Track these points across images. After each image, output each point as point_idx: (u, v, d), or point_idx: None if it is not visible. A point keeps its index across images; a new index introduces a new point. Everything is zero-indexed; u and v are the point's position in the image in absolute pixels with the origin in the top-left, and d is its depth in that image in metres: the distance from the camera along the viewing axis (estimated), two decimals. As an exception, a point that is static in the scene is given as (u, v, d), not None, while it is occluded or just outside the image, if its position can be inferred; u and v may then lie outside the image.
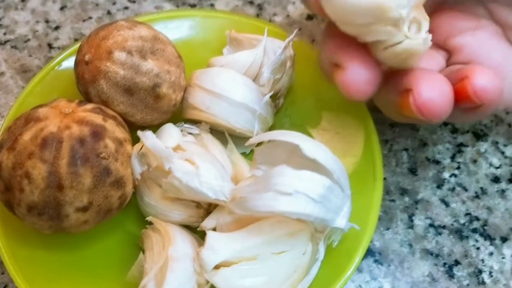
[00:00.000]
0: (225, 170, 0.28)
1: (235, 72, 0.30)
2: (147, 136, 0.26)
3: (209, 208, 0.29)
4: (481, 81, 0.26)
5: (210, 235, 0.25)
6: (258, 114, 0.30)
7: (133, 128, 0.28)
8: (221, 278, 0.25)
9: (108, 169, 0.25)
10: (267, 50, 0.32)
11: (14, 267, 0.26)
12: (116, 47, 0.27)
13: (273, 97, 0.32)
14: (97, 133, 0.24)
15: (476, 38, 0.30)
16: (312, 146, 0.25)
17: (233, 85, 0.29)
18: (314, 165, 0.25)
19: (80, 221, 0.25)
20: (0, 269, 0.31)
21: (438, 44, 0.31)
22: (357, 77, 0.25)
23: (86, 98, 0.28)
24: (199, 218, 0.28)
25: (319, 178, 0.24)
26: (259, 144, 0.28)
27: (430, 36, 0.25)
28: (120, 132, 0.26)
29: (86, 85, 0.27)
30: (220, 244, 0.25)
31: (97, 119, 0.25)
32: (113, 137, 0.25)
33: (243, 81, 0.30)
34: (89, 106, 0.26)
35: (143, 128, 0.28)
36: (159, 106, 0.28)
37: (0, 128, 0.34)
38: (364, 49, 0.26)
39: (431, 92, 0.25)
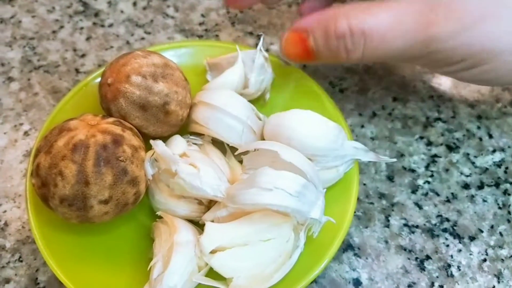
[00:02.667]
0: (223, 173, 0.33)
1: (231, 91, 0.35)
2: (157, 144, 0.31)
3: (209, 205, 0.32)
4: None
5: (208, 225, 0.29)
6: (248, 125, 0.34)
7: (146, 138, 0.32)
8: (216, 260, 0.28)
9: (126, 170, 0.29)
10: (245, 61, 0.37)
11: (47, 251, 0.30)
12: (133, 72, 0.31)
13: (262, 94, 0.38)
14: (117, 141, 0.29)
15: None
16: (288, 152, 0.30)
17: (229, 100, 0.34)
18: (292, 168, 0.29)
19: (102, 212, 0.29)
20: (32, 256, 0.35)
21: None
22: None
23: (108, 113, 0.32)
24: (200, 213, 0.32)
25: (295, 177, 0.29)
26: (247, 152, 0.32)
27: None
28: (135, 141, 0.30)
29: (108, 103, 0.31)
30: (216, 233, 0.29)
31: (117, 130, 0.29)
32: (130, 144, 0.29)
33: (236, 98, 0.34)
34: (111, 119, 0.30)
35: (155, 138, 0.32)
36: (168, 121, 0.32)
37: (35, 139, 0.40)
38: None
39: None
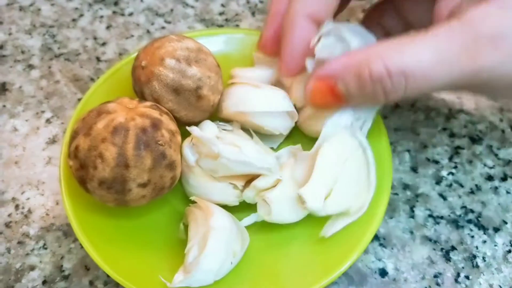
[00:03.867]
0: (261, 149, 0.33)
1: (257, 89, 0.34)
2: (194, 129, 0.31)
3: (243, 188, 0.33)
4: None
5: (302, 192, 0.30)
6: (283, 113, 0.34)
7: (178, 124, 0.32)
8: (331, 208, 0.30)
9: (164, 154, 0.29)
10: None
11: (82, 233, 0.30)
12: (167, 55, 0.31)
13: None
14: (156, 125, 0.29)
15: None
16: None
17: (261, 100, 0.33)
18: None
19: (139, 195, 0.29)
20: (57, 243, 0.35)
21: None
22: None
23: (141, 97, 0.32)
24: (235, 197, 0.32)
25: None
26: None
27: None
28: (172, 125, 0.30)
29: (141, 85, 0.31)
30: (312, 192, 0.30)
31: (155, 113, 0.29)
32: (168, 129, 0.29)
33: (267, 94, 0.34)
34: (148, 103, 0.30)
35: (186, 124, 0.32)
36: (200, 105, 0.32)
37: (58, 126, 0.39)
38: None
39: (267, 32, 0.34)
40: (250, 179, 0.33)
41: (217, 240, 0.29)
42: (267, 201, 0.31)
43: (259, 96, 0.34)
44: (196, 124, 0.33)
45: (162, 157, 0.29)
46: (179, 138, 0.31)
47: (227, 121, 0.36)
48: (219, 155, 0.30)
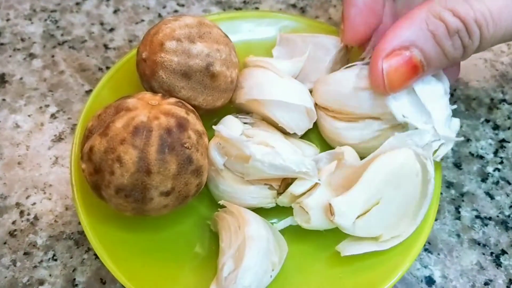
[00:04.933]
0: (295, 146, 0.30)
1: (279, 78, 0.31)
2: (222, 129, 0.27)
3: (279, 189, 0.30)
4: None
5: (334, 202, 0.27)
6: (308, 109, 0.31)
7: (199, 112, 0.29)
8: (361, 229, 0.27)
9: (191, 158, 0.25)
10: (320, 46, 0.33)
11: (98, 242, 0.27)
12: (166, 38, 0.27)
13: None
14: (182, 125, 0.25)
15: None
16: None
17: (282, 91, 0.30)
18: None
19: (161, 204, 0.26)
20: (68, 253, 0.32)
21: None
22: None
23: (152, 92, 0.28)
24: (272, 198, 0.29)
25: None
26: None
27: None
28: (199, 125, 0.27)
29: (148, 80, 0.28)
30: (346, 206, 0.27)
31: (181, 112, 0.26)
32: (195, 129, 0.26)
33: (289, 85, 0.31)
34: (172, 100, 0.27)
35: (208, 111, 0.29)
36: (216, 85, 0.29)
37: (64, 122, 0.36)
38: None
39: None
40: (285, 177, 0.29)
41: (255, 252, 0.26)
42: (305, 208, 0.27)
43: (278, 84, 0.30)
44: (220, 108, 0.30)
45: (188, 162, 0.25)
46: (206, 140, 0.27)
47: (247, 112, 0.32)
48: (251, 157, 0.27)
